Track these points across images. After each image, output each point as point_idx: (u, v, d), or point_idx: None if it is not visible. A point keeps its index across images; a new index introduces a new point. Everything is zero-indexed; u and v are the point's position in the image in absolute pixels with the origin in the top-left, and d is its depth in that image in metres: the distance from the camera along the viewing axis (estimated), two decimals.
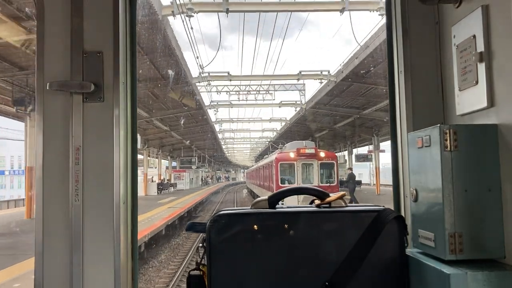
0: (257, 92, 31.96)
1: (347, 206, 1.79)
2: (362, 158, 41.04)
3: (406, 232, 1.74)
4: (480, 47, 1.59)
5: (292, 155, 24.77)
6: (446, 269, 1.45)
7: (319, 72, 25.07)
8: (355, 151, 43.45)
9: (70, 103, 1.89)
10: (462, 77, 1.72)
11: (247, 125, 50.57)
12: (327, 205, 1.79)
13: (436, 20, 1.97)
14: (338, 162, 26.57)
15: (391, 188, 2.28)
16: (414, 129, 1.89)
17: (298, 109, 34.54)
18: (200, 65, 23.39)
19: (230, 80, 26.26)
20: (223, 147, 70.45)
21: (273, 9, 18.12)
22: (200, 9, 17.10)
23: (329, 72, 24.60)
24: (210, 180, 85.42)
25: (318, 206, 1.81)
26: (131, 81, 2.02)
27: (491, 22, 1.56)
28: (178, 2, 16.00)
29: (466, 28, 1.69)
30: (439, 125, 1.54)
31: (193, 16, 16.80)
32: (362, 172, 50.40)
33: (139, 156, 33.31)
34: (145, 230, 16.13)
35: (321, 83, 25.70)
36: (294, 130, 44.46)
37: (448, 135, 1.51)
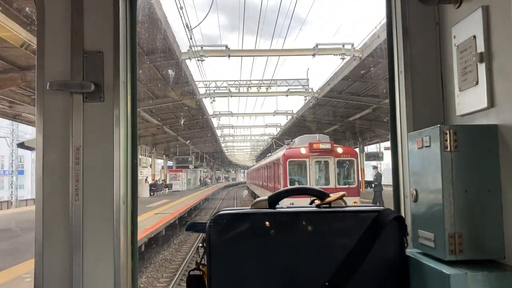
0: (259, 87, 29.89)
1: (347, 206, 1.81)
2: (372, 157, 39.25)
3: (406, 233, 1.75)
4: (480, 48, 1.60)
5: (303, 151, 20.69)
6: (446, 270, 1.46)
7: (340, 46, 20.45)
8: (365, 149, 40.64)
9: (70, 103, 1.92)
10: (462, 77, 1.74)
11: (248, 121, 47.02)
12: (327, 205, 1.80)
13: (436, 21, 1.99)
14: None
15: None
16: (414, 129, 1.91)
17: (308, 98, 30.04)
18: (186, 24, 18.06)
19: (229, 56, 21.77)
20: (222, 145, 68.64)
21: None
22: None
23: (352, 46, 20.12)
24: (209, 181, 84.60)
25: (318, 206, 1.83)
26: (131, 81, 2.06)
27: (491, 22, 1.58)
28: None
29: (466, 29, 1.71)
30: (439, 125, 1.56)
31: None
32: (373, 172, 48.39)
33: None
34: None
35: (342, 59, 21.11)
36: (301, 125, 40.07)
37: (448, 135, 1.53)
